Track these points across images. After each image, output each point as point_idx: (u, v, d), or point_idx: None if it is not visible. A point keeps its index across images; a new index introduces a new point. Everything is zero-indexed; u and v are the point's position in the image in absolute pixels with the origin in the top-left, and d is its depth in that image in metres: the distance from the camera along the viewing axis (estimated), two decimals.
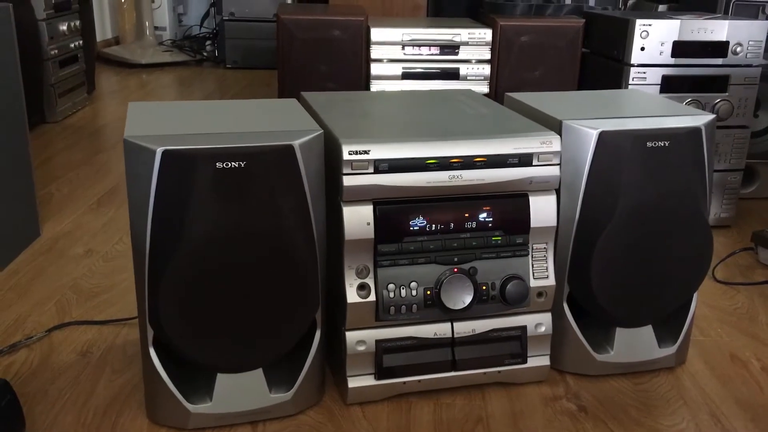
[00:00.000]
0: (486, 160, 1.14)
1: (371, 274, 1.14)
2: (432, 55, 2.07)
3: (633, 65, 1.85)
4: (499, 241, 1.18)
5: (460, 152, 1.13)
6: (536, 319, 1.23)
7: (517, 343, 1.22)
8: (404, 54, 2.07)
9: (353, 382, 1.17)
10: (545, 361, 1.25)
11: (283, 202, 1.05)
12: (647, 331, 1.29)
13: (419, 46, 2.06)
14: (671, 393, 1.25)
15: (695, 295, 1.31)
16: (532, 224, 1.18)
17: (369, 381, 1.18)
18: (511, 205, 1.17)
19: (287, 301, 1.09)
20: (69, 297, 1.52)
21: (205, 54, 4.59)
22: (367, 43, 2.06)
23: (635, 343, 1.29)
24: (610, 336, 1.28)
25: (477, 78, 2.09)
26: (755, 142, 2.16)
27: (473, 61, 2.09)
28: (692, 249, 1.23)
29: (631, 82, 1.85)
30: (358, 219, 1.11)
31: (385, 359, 1.17)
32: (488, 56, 2.09)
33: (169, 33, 4.87)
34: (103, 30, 4.69)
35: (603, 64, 1.99)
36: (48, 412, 1.15)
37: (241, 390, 1.13)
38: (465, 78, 2.09)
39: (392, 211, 1.13)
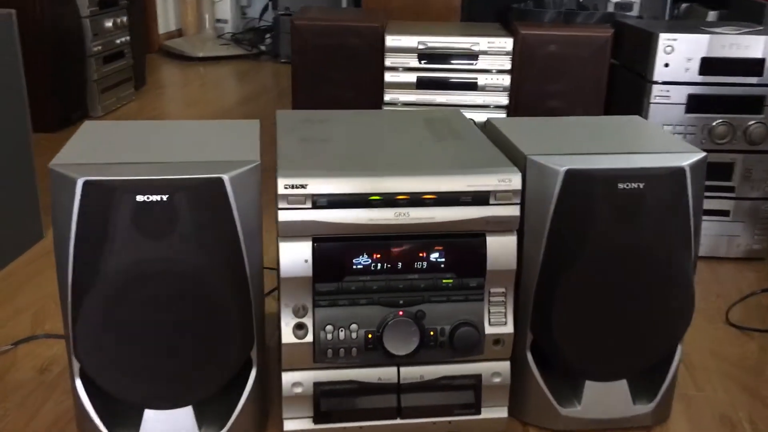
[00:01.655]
0: (436, 197, 1.06)
1: (309, 314, 1.08)
2: (448, 63, 1.97)
3: (656, 82, 1.71)
4: (451, 284, 1.09)
5: (406, 188, 1.05)
6: (492, 367, 1.14)
7: (470, 392, 1.14)
8: (420, 62, 1.98)
9: (289, 425, 1.12)
10: (503, 412, 1.16)
11: (210, 238, 1.00)
12: (621, 386, 1.18)
13: (436, 54, 1.97)
14: None
15: (679, 349, 1.19)
16: (489, 267, 1.09)
17: (306, 424, 1.12)
18: (465, 245, 1.09)
19: (214, 340, 1.04)
20: (48, 307, 1.53)
21: (262, 48, 4.60)
22: (384, 50, 1.98)
23: (606, 399, 1.18)
24: (579, 389, 1.18)
25: (496, 89, 1.99)
26: None
27: (493, 71, 1.98)
28: (670, 302, 1.11)
29: (653, 100, 1.71)
30: (295, 256, 1.05)
31: (323, 403, 1.11)
32: (509, 66, 1.97)
33: (231, 26, 4.90)
34: (167, 22, 4.76)
35: (629, 78, 1.85)
36: None
37: (169, 427, 1.09)
38: (483, 89, 1.99)
39: (332, 248, 1.06)
